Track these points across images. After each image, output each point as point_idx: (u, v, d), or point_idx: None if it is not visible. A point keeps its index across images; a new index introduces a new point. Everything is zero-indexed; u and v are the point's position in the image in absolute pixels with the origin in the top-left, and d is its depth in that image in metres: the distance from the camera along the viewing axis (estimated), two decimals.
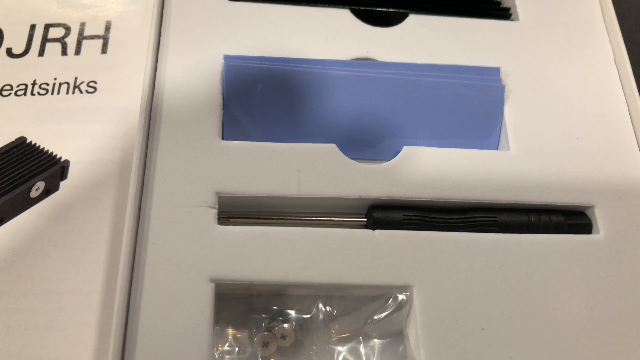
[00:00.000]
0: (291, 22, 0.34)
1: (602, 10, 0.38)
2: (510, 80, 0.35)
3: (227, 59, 0.32)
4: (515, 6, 0.38)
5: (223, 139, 0.31)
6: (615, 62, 0.36)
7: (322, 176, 0.30)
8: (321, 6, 0.35)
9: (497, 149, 0.34)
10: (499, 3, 0.39)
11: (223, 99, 0.31)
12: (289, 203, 0.30)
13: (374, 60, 0.34)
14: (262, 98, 0.32)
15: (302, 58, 0.33)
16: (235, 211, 0.30)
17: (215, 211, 0.29)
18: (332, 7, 0.35)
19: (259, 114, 0.32)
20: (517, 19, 0.37)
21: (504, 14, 0.38)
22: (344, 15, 0.35)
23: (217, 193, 0.29)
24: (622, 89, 0.35)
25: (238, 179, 0.29)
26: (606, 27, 0.37)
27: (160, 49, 0.33)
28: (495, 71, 0.34)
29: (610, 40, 0.37)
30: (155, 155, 0.29)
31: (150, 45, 0.32)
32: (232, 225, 0.29)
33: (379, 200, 0.30)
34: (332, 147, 0.31)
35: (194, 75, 0.32)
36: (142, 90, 0.31)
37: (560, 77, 0.35)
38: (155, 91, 0.31)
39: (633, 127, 0.34)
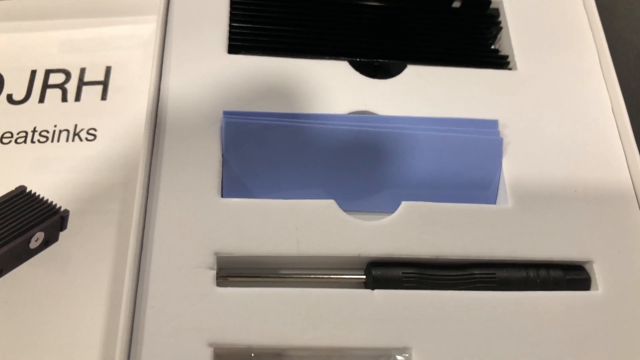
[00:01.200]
0: (290, 75, 0.34)
1: (599, 58, 0.38)
2: (509, 131, 0.35)
3: (227, 115, 0.32)
4: (513, 55, 0.38)
5: (222, 196, 0.31)
6: (612, 111, 0.36)
7: (321, 234, 0.30)
8: (320, 58, 0.35)
9: (495, 202, 0.34)
10: (497, 51, 0.39)
11: (222, 156, 0.32)
12: (288, 261, 0.30)
13: (373, 113, 0.34)
14: (261, 154, 0.32)
15: (301, 113, 0.33)
16: (233, 270, 0.30)
17: (214, 272, 0.29)
18: (330, 59, 0.35)
19: (258, 170, 0.32)
20: (515, 67, 0.37)
21: (502, 62, 0.38)
22: (342, 67, 0.35)
23: (215, 253, 0.29)
24: (620, 139, 0.35)
25: (237, 238, 0.29)
26: (603, 76, 0.37)
27: (159, 104, 0.33)
28: (494, 123, 0.34)
29: (607, 89, 0.37)
30: (154, 214, 0.30)
31: (150, 100, 0.32)
32: (231, 285, 0.29)
33: (377, 258, 0.30)
34: (331, 203, 0.31)
35: (193, 131, 0.32)
36: (141, 147, 0.31)
37: (558, 128, 0.35)
38: (154, 149, 0.31)
39: (632, 179, 0.34)
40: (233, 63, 0.34)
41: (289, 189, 0.32)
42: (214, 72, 0.34)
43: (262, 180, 0.32)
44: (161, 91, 0.33)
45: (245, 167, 0.32)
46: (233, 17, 0.36)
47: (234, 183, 0.32)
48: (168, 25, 0.35)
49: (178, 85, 0.33)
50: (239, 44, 0.35)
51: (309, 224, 0.30)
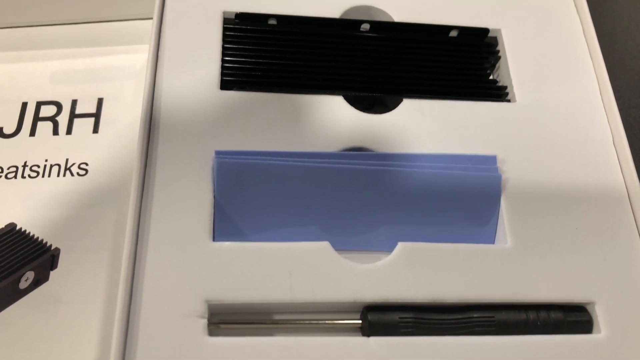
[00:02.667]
0: (284, 111, 0.34)
1: (599, 87, 0.37)
2: (508, 167, 0.34)
3: (219, 155, 0.31)
4: (512, 85, 0.37)
5: (214, 239, 0.30)
6: (614, 144, 0.36)
7: (315, 278, 0.29)
8: (314, 93, 0.34)
9: (494, 242, 0.33)
10: (496, 81, 0.38)
11: (214, 197, 0.31)
12: (282, 308, 0.29)
13: (369, 149, 0.34)
14: (254, 194, 0.31)
15: (295, 151, 0.32)
16: (225, 316, 0.29)
17: (205, 321, 0.28)
18: (324, 94, 0.35)
19: (251, 211, 0.31)
20: (514, 99, 0.37)
21: (501, 93, 0.37)
22: (337, 102, 0.35)
23: (207, 301, 0.28)
24: (622, 174, 0.34)
25: (228, 284, 0.29)
26: (604, 106, 0.37)
27: (150, 143, 0.32)
28: (492, 159, 0.34)
29: (608, 120, 0.36)
30: (144, 261, 0.29)
31: (140, 139, 0.31)
32: (223, 334, 0.28)
33: (374, 303, 0.30)
34: (326, 245, 0.30)
35: (184, 171, 0.31)
36: (132, 189, 0.30)
37: (558, 163, 0.34)
38: (144, 190, 0.31)
39: (634, 216, 0.33)
40: (225, 99, 0.34)
41: (283, 229, 0.32)
42: (206, 109, 0.33)
43: (255, 222, 0.31)
44: (151, 130, 0.32)
45: (238, 209, 0.31)
46: (225, 52, 0.35)
47: (225, 225, 0.31)
48: (159, 60, 0.34)
49: (168, 124, 0.33)
50: (231, 79, 0.34)
51: (303, 268, 0.29)
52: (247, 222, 0.31)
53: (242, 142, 0.33)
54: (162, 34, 0.36)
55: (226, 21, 0.36)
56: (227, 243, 0.30)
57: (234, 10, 0.36)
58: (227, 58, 0.35)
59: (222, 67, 0.35)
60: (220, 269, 0.29)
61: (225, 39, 0.36)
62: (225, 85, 0.34)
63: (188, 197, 0.31)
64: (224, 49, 0.35)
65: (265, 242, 0.30)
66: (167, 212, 0.30)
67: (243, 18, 0.36)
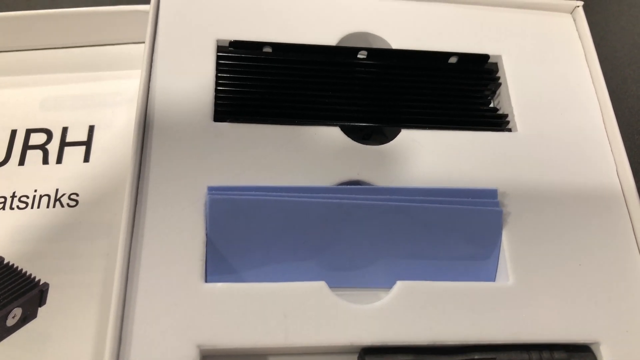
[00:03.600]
0: (278, 151, 0.33)
1: (602, 116, 0.36)
2: (509, 200, 0.33)
3: (211, 191, 0.30)
4: (512, 113, 0.36)
5: (206, 280, 0.29)
6: (617, 174, 0.35)
7: (310, 321, 0.28)
8: (310, 124, 0.34)
9: (495, 277, 0.32)
10: (496, 109, 0.37)
11: (207, 235, 0.30)
12: (276, 352, 0.28)
13: (366, 182, 0.33)
14: (248, 231, 0.30)
15: (290, 186, 0.31)
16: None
17: None
18: (321, 125, 0.34)
19: (244, 249, 0.30)
20: (514, 127, 0.36)
21: (502, 121, 0.36)
22: (334, 133, 0.34)
23: (198, 346, 0.27)
24: (627, 206, 0.34)
25: (221, 328, 0.28)
26: (607, 135, 0.36)
27: (141, 178, 0.31)
28: (493, 193, 0.33)
29: (612, 150, 0.35)
30: (134, 304, 0.28)
31: (131, 175, 0.31)
32: None
33: (371, 346, 0.29)
34: (322, 285, 0.29)
35: (175, 208, 0.30)
36: (121, 228, 0.29)
37: (561, 196, 0.33)
38: (135, 228, 0.30)
39: None
40: (218, 131, 0.33)
41: (278, 267, 0.31)
42: (199, 142, 0.32)
43: (248, 260, 0.30)
44: (142, 164, 0.31)
45: (231, 247, 0.30)
46: (219, 81, 0.34)
47: (218, 265, 0.30)
48: (150, 90, 0.34)
49: (160, 158, 0.32)
50: (225, 109, 0.34)
51: (298, 311, 0.28)
52: (240, 260, 0.30)
53: (235, 176, 0.32)
54: (153, 62, 0.35)
55: (220, 49, 0.35)
56: (219, 284, 0.29)
57: (227, 38, 0.35)
58: (220, 88, 0.34)
59: (216, 98, 0.34)
60: (213, 312, 0.28)
61: (219, 67, 0.35)
62: (218, 116, 0.33)
63: (180, 235, 0.30)
64: (217, 78, 0.34)
65: (259, 282, 0.29)
66: (159, 251, 0.29)
67: (237, 46, 0.35)
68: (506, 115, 0.36)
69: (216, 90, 0.34)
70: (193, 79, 0.34)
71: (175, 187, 0.31)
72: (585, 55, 0.39)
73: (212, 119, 0.33)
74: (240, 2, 0.37)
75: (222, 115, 0.33)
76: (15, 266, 0.35)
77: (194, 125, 0.33)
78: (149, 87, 0.34)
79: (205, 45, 0.35)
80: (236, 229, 0.30)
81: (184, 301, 0.28)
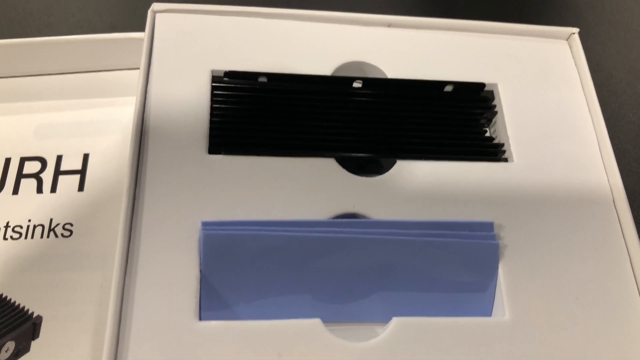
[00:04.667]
0: (274, 184, 0.32)
1: (599, 145, 0.36)
2: (505, 233, 0.33)
3: (205, 226, 0.30)
4: (508, 143, 0.36)
5: (200, 318, 0.29)
6: (614, 204, 0.35)
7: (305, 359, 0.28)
8: (304, 156, 0.33)
9: (491, 313, 0.32)
10: (492, 139, 0.37)
11: (200, 271, 0.30)
12: None
13: (362, 215, 0.32)
14: (243, 267, 0.30)
15: (284, 220, 0.31)
16: None
17: None
18: (316, 156, 0.33)
19: (239, 286, 0.30)
20: (511, 157, 0.36)
21: (497, 151, 0.36)
22: (328, 164, 0.33)
23: None
24: (624, 238, 0.33)
25: None
26: (604, 165, 0.36)
27: (134, 213, 0.31)
28: (489, 226, 0.32)
29: (608, 180, 0.35)
30: (127, 345, 0.27)
31: (123, 209, 0.30)
32: None
33: None
34: (317, 323, 0.29)
35: (169, 243, 0.30)
36: (114, 266, 0.29)
37: (558, 228, 0.33)
38: (128, 264, 0.29)
39: (637, 285, 0.32)
40: (213, 164, 0.32)
41: (273, 303, 0.31)
42: (193, 175, 0.32)
43: (243, 297, 0.30)
44: (136, 198, 0.31)
45: (225, 283, 0.30)
46: (213, 112, 0.34)
47: (212, 302, 0.30)
48: (144, 122, 0.33)
49: (154, 191, 0.31)
50: (219, 141, 0.33)
51: (293, 349, 0.28)
52: (235, 296, 0.30)
53: (230, 210, 0.31)
54: (148, 92, 0.34)
55: (215, 79, 0.35)
56: (213, 322, 0.29)
57: (222, 68, 0.35)
58: (215, 119, 0.34)
59: (210, 129, 0.34)
60: (207, 352, 0.28)
61: (214, 97, 0.35)
62: (213, 149, 0.33)
63: (174, 270, 0.30)
64: (212, 108, 0.34)
65: (254, 318, 0.29)
66: (152, 288, 0.29)
67: (232, 76, 0.35)
68: (502, 145, 0.36)
69: (210, 122, 0.34)
70: (187, 109, 0.34)
71: (169, 221, 0.31)
72: (581, 82, 0.39)
73: (207, 151, 0.33)
74: (235, 33, 0.37)
75: (217, 147, 0.33)
76: (8, 298, 0.35)
77: (188, 158, 0.32)
78: (143, 118, 0.34)
79: (200, 75, 0.35)
80: (230, 264, 0.30)
81: (178, 341, 0.28)
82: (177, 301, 0.29)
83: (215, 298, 0.30)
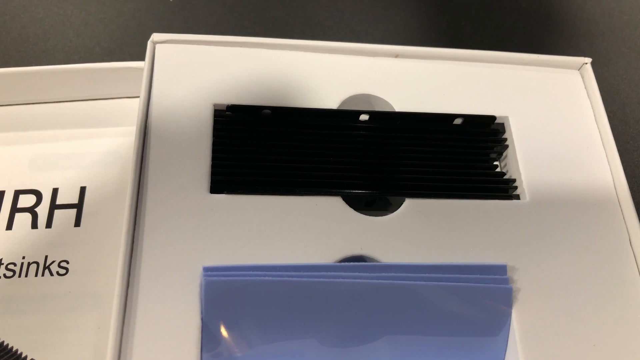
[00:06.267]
0: (279, 216, 0.31)
1: (613, 180, 0.35)
2: (518, 276, 0.32)
3: (207, 272, 0.29)
4: (520, 179, 0.35)
5: None
6: (630, 244, 0.33)
7: None
8: (310, 194, 0.32)
9: (504, 358, 0.30)
10: (503, 174, 0.36)
11: (202, 319, 0.28)
12: None
13: (369, 258, 0.31)
14: (245, 314, 0.29)
15: (289, 264, 0.30)
16: None
17: None
18: (322, 194, 0.32)
19: (242, 334, 0.29)
20: (523, 194, 0.34)
21: (509, 187, 0.35)
22: (335, 203, 0.32)
23: None
24: None
25: None
26: (619, 202, 0.34)
27: (133, 258, 0.29)
28: (502, 269, 0.31)
29: (623, 216, 0.34)
30: None
31: (122, 253, 0.29)
32: None
33: None
34: None
35: (169, 291, 0.29)
36: (112, 315, 0.27)
37: (572, 270, 0.32)
38: (126, 313, 0.28)
39: None
40: (215, 204, 0.31)
41: (277, 351, 0.29)
42: (194, 216, 0.31)
43: (246, 344, 0.29)
44: (135, 242, 0.30)
45: (228, 332, 0.29)
46: (215, 149, 0.33)
47: (214, 351, 0.28)
48: (144, 160, 0.32)
49: (154, 234, 0.30)
50: (221, 179, 0.32)
51: None
52: (238, 345, 0.29)
53: (233, 252, 0.30)
54: (147, 126, 0.33)
55: (217, 113, 0.34)
56: None
57: (225, 102, 0.34)
58: (217, 155, 0.33)
59: (212, 166, 0.32)
60: None
61: (216, 132, 0.33)
62: (215, 188, 0.32)
63: (174, 318, 0.28)
64: (214, 145, 0.33)
65: None
66: (152, 336, 0.28)
67: (235, 110, 0.34)
68: (513, 181, 0.35)
69: (212, 158, 0.32)
70: (188, 145, 0.33)
71: (169, 265, 0.29)
72: (594, 113, 0.37)
73: (209, 190, 0.32)
74: (237, 64, 0.35)
75: (219, 186, 0.32)
76: (1, 341, 0.33)
77: (189, 197, 0.31)
78: (142, 153, 0.32)
79: (201, 108, 0.34)
80: (233, 311, 0.29)
81: None
82: (177, 351, 0.28)
83: (218, 347, 0.28)
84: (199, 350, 0.28)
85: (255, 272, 0.29)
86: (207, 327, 0.28)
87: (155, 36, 0.35)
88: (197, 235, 0.30)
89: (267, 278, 0.29)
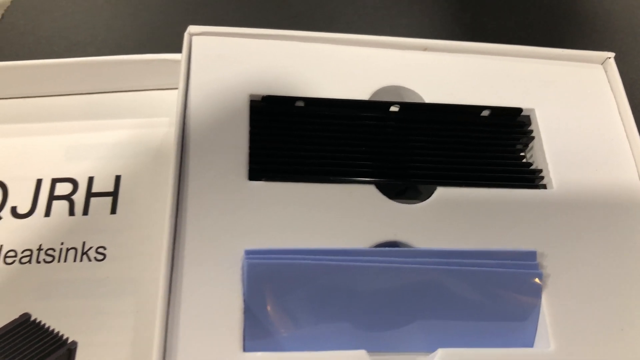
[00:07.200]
0: (315, 203, 0.32)
1: (638, 172, 0.36)
2: (547, 262, 0.32)
3: (249, 255, 0.30)
4: (547, 169, 0.36)
5: (244, 349, 0.28)
6: None
7: None
8: (345, 182, 0.33)
9: (533, 344, 0.31)
10: (530, 164, 0.37)
11: (244, 301, 0.29)
12: None
13: (403, 243, 0.32)
14: (286, 296, 0.30)
15: (327, 248, 0.31)
16: None
17: None
18: (356, 182, 0.33)
19: (283, 315, 0.30)
20: (550, 184, 0.35)
21: (535, 177, 0.36)
22: (369, 191, 0.33)
23: None
24: None
25: None
26: None
27: (176, 242, 0.30)
28: (532, 255, 0.32)
29: None
30: None
31: (165, 239, 0.30)
32: None
33: None
34: (362, 354, 0.29)
35: (212, 274, 0.30)
36: (159, 297, 0.28)
37: (600, 255, 0.33)
38: (171, 294, 0.29)
39: None
40: (254, 191, 0.32)
41: (316, 333, 0.30)
42: (234, 202, 0.32)
43: (287, 326, 0.30)
44: (178, 226, 0.31)
45: (269, 312, 0.30)
46: (252, 138, 0.34)
47: (256, 332, 0.29)
48: (184, 147, 0.33)
49: (195, 218, 0.31)
50: (259, 167, 0.33)
51: None
52: (278, 326, 0.30)
53: (271, 237, 0.31)
54: (186, 116, 0.34)
55: (253, 103, 0.35)
56: (259, 354, 0.28)
57: (260, 93, 0.35)
58: (254, 144, 0.34)
59: (250, 155, 0.33)
60: None
61: (252, 123, 0.34)
62: (253, 175, 0.33)
63: (217, 301, 0.29)
64: (251, 134, 0.34)
65: (298, 349, 0.29)
66: (196, 318, 0.29)
67: (269, 101, 0.35)
68: (540, 171, 0.36)
69: (250, 147, 0.33)
70: (226, 135, 0.34)
71: (211, 248, 0.30)
72: (617, 107, 0.38)
73: (247, 177, 0.33)
74: (271, 56, 0.36)
75: (257, 174, 0.33)
76: (42, 323, 0.34)
77: (229, 184, 0.32)
78: (182, 142, 0.33)
79: (238, 99, 0.35)
80: (274, 293, 0.30)
81: None
82: (221, 332, 0.28)
83: (259, 328, 0.29)
84: (242, 330, 0.29)
85: (295, 255, 0.30)
86: (248, 308, 0.29)
87: (192, 28, 0.36)
88: (237, 220, 0.31)
89: (306, 261, 0.30)
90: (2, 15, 0.47)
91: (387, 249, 0.32)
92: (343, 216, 0.32)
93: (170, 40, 0.45)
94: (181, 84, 0.35)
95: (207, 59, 0.36)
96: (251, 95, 0.35)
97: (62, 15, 0.47)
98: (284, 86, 0.36)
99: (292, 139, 0.35)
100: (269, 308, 0.30)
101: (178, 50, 0.36)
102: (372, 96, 0.36)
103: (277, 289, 0.30)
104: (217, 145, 0.33)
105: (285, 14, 0.48)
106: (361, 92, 0.36)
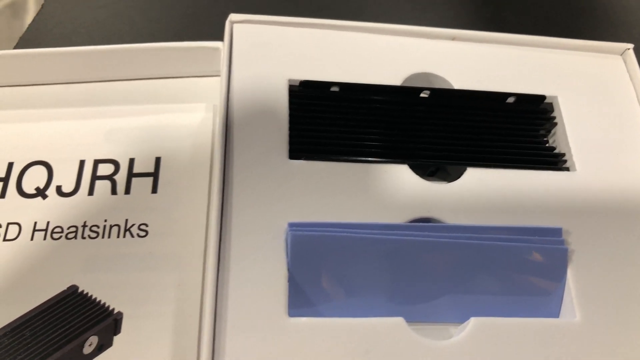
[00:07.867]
0: (352, 181, 0.34)
1: None
2: (572, 239, 0.34)
3: (292, 227, 0.32)
4: (570, 153, 0.37)
5: (289, 315, 0.30)
6: None
7: (391, 357, 0.29)
8: (380, 162, 0.35)
9: (559, 315, 0.33)
10: (553, 148, 0.38)
11: (288, 270, 0.31)
12: None
13: (435, 219, 0.34)
14: (327, 266, 0.32)
15: (366, 223, 0.33)
16: None
17: None
18: (390, 162, 0.35)
19: (324, 284, 0.31)
20: (573, 167, 0.37)
21: (559, 160, 0.38)
22: (402, 171, 0.35)
23: None
24: None
25: None
26: None
27: (223, 216, 0.32)
28: (558, 232, 0.34)
29: None
30: (224, 338, 0.29)
31: (212, 217, 0.32)
32: None
33: None
34: (400, 321, 0.31)
35: (257, 245, 0.31)
36: (208, 263, 0.30)
37: (623, 234, 0.35)
38: (220, 264, 0.31)
39: None
40: (295, 169, 0.34)
41: (355, 301, 0.32)
42: (277, 179, 0.34)
43: (328, 295, 0.32)
44: (224, 200, 0.33)
45: (311, 282, 0.31)
46: (292, 120, 0.36)
47: (299, 299, 0.31)
48: (228, 128, 0.35)
49: (241, 193, 0.33)
50: (299, 147, 0.35)
51: (379, 347, 0.30)
52: (320, 294, 0.31)
53: (312, 212, 0.33)
54: (229, 100, 0.36)
55: (291, 88, 0.37)
56: (303, 319, 0.30)
57: (298, 78, 0.37)
58: (293, 125, 0.36)
59: (290, 136, 0.35)
60: (298, 346, 0.29)
61: (291, 106, 0.36)
62: (293, 154, 0.34)
63: (263, 270, 0.31)
64: (290, 117, 0.36)
65: (339, 316, 0.31)
66: (244, 286, 0.30)
67: (307, 86, 0.37)
68: (564, 154, 0.38)
69: (290, 129, 0.35)
70: (268, 117, 0.35)
71: (256, 223, 0.32)
72: (637, 96, 0.40)
73: (288, 156, 0.34)
74: (308, 44, 0.38)
75: (297, 153, 0.35)
76: (89, 294, 0.36)
77: (271, 162, 0.34)
78: (227, 123, 0.35)
79: (278, 84, 0.37)
80: (316, 264, 0.31)
81: (271, 335, 0.29)
82: (267, 299, 0.30)
83: (302, 295, 0.31)
84: (287, 299, 0.31)
85: (336, 229, 0.32)
86: (292, 277, 0.31)
87: (233, 16, 0.38)
88: (279, 196, 0.33)
89: (347, 234, 0.32)
90: (42, 5, 0.49)
91: (421, 224, 0.33)
92: (378, 193, 0.34)
93: (201, 30, 0.46)
94: (224, 70, 0.36)
95: (248, 46, 0.38)
96: (290, 80, 0.37)
97: (99, 6, 0.49)
98: (320, 72, 0.37)
99: (328, 121, 0.36)
100: (310, 277, 0.31)
101: (209, 38, 0.38)
102: (403, 82, 0.38)
103: (319, 260, 0.31)
104: (260, 126, 0.35)
105: (314, 5, 0.50)
106: (393, 78, 0.38)
